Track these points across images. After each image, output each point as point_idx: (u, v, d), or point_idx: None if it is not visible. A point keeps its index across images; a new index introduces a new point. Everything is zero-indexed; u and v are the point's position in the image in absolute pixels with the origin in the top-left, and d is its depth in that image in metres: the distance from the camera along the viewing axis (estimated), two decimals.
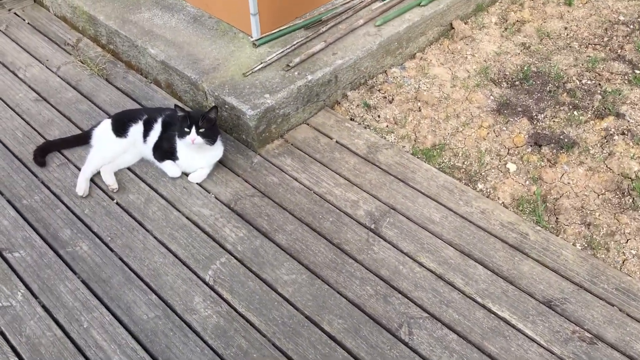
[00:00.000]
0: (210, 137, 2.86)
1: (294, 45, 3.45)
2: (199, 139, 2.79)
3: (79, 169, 3.10)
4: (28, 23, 4.21)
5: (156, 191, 3.01)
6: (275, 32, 3.54)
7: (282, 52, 3.40)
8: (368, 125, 3.36)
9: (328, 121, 3.37)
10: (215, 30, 3.66)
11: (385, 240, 2.74)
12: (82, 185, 2.97)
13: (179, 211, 2.91)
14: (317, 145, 3.23)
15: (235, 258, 2.68)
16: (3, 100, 3.58)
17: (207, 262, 2.66)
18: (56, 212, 2.90)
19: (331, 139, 3.27)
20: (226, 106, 3.18)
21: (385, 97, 3.51)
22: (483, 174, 3.05)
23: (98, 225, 2.84)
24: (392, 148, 3.20)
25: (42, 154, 3.17)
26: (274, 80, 3.26)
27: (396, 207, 2.89)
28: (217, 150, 3.01)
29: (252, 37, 3.54)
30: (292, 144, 3.26)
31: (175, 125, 2.91)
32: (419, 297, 2.50)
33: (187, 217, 2.87)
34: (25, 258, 2.69)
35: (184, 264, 2.66)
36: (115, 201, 2.96)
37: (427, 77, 3.62)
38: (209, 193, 3.00)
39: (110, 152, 3.07)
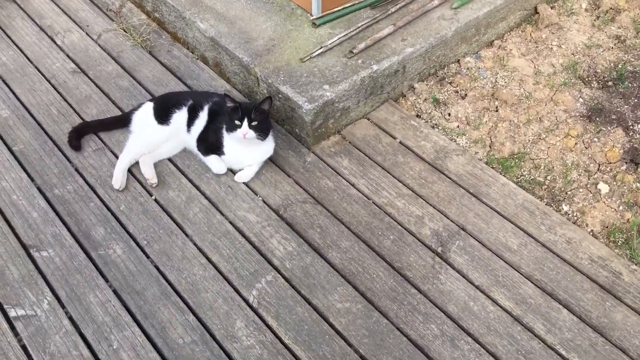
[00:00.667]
0: (263, 132, 2.54)
1: (359, 27, 3.06)
2: (251, 133, 2.49)
3: (117, 157, 2.83)
4: None
5: (198, 189, 2.72)
6: (338, 10, 3.14)
7: (344, 34, 3.02)
8: (436, 125, 2.98)
9: (391, 117, 3.00)
10: (272, 4, 3.28)
11: (453, 268, 2.40)
12: (118, 177, 2.70)
13: (223, 214, 2.61)
14: (378, 146, 2.88)
15: (283, 277, 2.39)
16: (39, 70, 3.30)
17: (252, 279, 2.38)
18: (89, 206, 2.64)
19: (394, 138, 2.91)
20: (280, 96, 2.84)
21: (457, 92, 3.11)
22: (569, 193, 2.66)
23: (134, 225, 2.57)
24: (463, 154, 2.82)
25: (77, 136, 2.90)
26: (334, 69, 2.89)
27: (467, 227, 2.54)
28: (268, 146, 2.69)
29: (311, 15, 3.16)
30: (350, 142, 2.91)
31: (223, 115, 2.60)
32: (492, 343, 2.17)
33: (231, 223, 2.58)
34: (53, 259, 2.45)
35: (226, 279, 2.38)
36: (153, 197, 2.69)
37: (506, 69, 3.20)
38: (256, 195, 2.69)
39: (151, 141, 2.78)
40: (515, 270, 2.39)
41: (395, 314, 2.26)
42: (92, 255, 2.47)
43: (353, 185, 2.72)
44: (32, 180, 2.75)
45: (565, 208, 2.62)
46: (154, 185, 2.71)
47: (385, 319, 2.25)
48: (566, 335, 2.19)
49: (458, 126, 2.96)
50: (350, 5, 3.17)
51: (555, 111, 2.98)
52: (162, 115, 2.78)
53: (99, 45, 3.45)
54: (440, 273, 2.38)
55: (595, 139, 2.85)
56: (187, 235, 2.55)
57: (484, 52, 3.30)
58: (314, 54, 2.95)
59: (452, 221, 2.57)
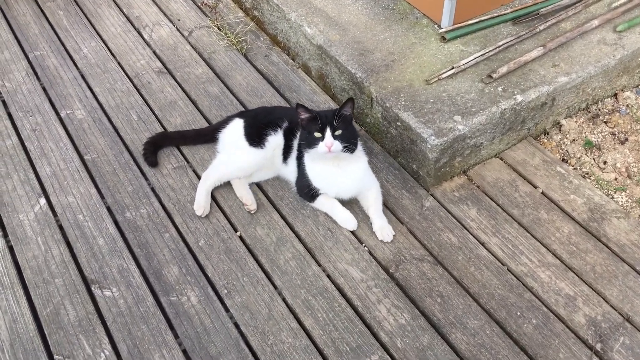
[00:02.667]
0: (350, 142, 2.08)
1: (499, 46, 2.51)
2: (337, 145, 2.03)
3: (199, 177, 2.40)
4: None
5: (292, 228, 2.25)
6: (473, 24, 2.61)
7: (481, 54, 2.48)
8: (588, 174, 2.40)
9: (531, 159, 2.44)
10: (392, 10, 2.78)
11: None
12: (201, 202, 2.28)
13: (320, 265, 2.14)
14: (514, 195, 2.33)
15: (392, 359, 1.89)
16: (122, 67, 2.93)
17: (353, 357, 1.89)
18: (164, 237, 2.23)
19: (535, 187, 2.35)
20: (398, 124, 2.34)
21: (615, 135, 2.51)
22: None
23: (214, 267, 2.14)
24: (626, 218, 2.23)
25: (154, 149, 2.50)
26: (468, 96, 2.36)
27: (634, 318, 1.96)
28: (361, 162, 2.22)
29: (440, 27, 2.64)
30: (478, 186, 2.38)
31: (299, 131, 2.23)
32: None
33: (329, 277, 2.11)
34: (117, 300, 2.04)
35: (321, 353, 1.91)
36: (238, 234, 2.24)
37: None
38: (361, 244, 2.20)
39: (242, 166, 2.33)
40: None
41: None
42: (162, 300, 2.05)
43: (483, 244, 2.19)
44: (103, 197, 2.36)
45: None
46: (252, 212, 2.29)
47: None
48: None
49: (616, 179, 2.37)
50: (489, 19, 2.62)
51: None
52: (255, 136, 2.32)
53: (189, 43, 3.05)
54: None
55: None
56: (275, 287, 2.09)
57: None
58: (443, 76, 2.43)
59: (613, 308, 1.99)
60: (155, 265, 2.15)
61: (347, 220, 2.22)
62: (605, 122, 2.55)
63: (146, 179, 2.44)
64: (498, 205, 2.30)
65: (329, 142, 2.02)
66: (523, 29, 2.58)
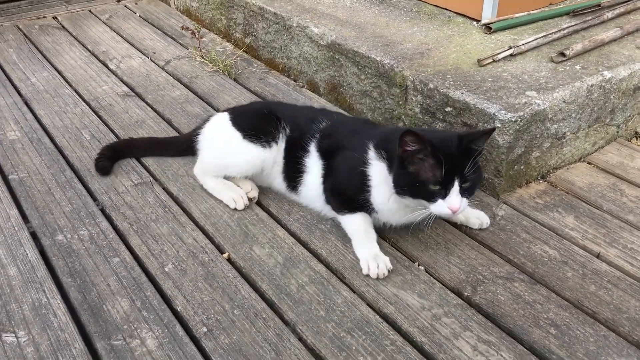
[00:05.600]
0: (474, 192, 1.38)
1: (563, 30, 1.97)
2: (465, 204, 1.34)
3: (170, 194, 1.69)
4: (139, 16, 3.05)
5: (306, 246, 1.51)
6: (521, 16, 2.09)
7: (543, 35, 1.93)
8: None
9: (630, 162, 1.79)
10: (416, 12, 2.27)
11: None
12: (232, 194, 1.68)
13: (354, 291, 1.37)
14: (621, 200, 1.64)
15: None
16: (78, 93, 2.31)
17: None
18: (112, 262, 1.46)
19: None
20: (448, 108, 1.70)
21: None
22: None
23: (186, 298, 1.36)
24: None
25: (111, 156, 1.82)
26: (537, 74, 1.76)
27: None
28: None
29: (479, 22, 2.11)
30: (568, 192, 1.68)
31: (395, 165, 1.39)
32: None
33: (370, 306, 1.32)
34: (23, 349, 1.23)
35: None
36: (226, 256, 1.48)
37: None
38: (414, 262, 1.44)
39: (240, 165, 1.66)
40: None
41: None
42: (99, 346, 1.24)
43: (598, 255, 1.45)
44: (26, 220, 1.61)
45: None
46: (254, 200, 1.63)
47: None
48: None
49: None
50: (539, 12, 2.11)
51: None
52: (252, 128, 1.65)
53: (165, 70, 2.47)
54: None
55: None
56: (286, 322, 1.29)
57: None
58: (499, 56, 1.84)
59: None
60: (94, 298, 1.35)
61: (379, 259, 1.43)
62: None
63: (93, 197, 1.71)
64: (604, 211, 1.60)
65: (455, 204, 1.31)
66: (581, 21, 2.05)
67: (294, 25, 2.25)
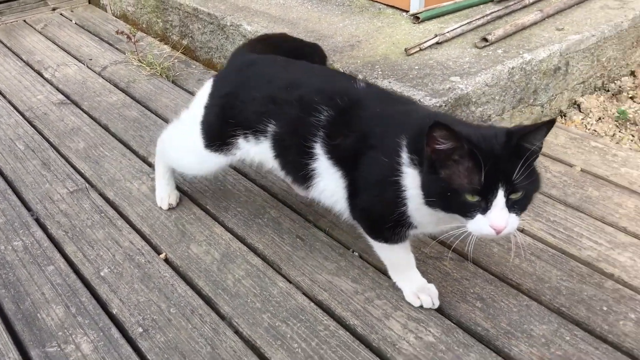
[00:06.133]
0: (527, 205, 1.08)
1: (487, 16, 2.03)
2: (514, 221, 1.04)
3: (107, 200, 1.69)
4: (75, 23, 3.02)
5: (243, 241, 1.53)
6: (447, 5, 2.14)
7: (467, 22, 1.99)
8: (632, 149, 1.81)
9: (554, 139, 1.85)
10: (347, 6, 2.31)
11: None
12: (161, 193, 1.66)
13: (289, 281, 1.40)
14: (545, 176, 1.70)
15: None
16: (11, 103, 2.29)
17: None
18: (47, 270, 1.46)
19: (570, 166, 1.74)
20: None
21: None
22: None
23: (122, 300, 1.37)
24: None
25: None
26: (461, 60, 1.81)
27: None
28: None
29: (407, 12, 2.16)
30: None
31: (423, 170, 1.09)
32: None
33: (305, 294, 1.35)
34: None
35: None
36: (163, 256, 1.49)
37: None
38: (348, 249, 1.48)
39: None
40: None
41: None
42: (33, 354, 1.24)
43: (522, 231, 1.50)
44: None
45: None
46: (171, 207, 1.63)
47: None
48: None
49: None
50: (465, 0, 2.17)
51: None
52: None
53: (102, 76, 2.46)
54: None
55: None
56: (222, 316, 1.31)
57: None
58: (425, 45, 1.89)
59: None
60: (28, 307, 1.35)
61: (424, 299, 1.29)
62: (632, 98, 2.03)
63: (28, 208, 1.70)
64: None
65: (499, 221, 1.00)
66: (502, 7, 2.12)
67: (228, 24, 2.26)
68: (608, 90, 2.08)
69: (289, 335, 1.25)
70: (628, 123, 1.92)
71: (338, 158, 1.21)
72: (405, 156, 1.11)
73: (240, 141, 1.37)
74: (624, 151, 1.77)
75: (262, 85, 1.33)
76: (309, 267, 1.42)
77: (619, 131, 1.90)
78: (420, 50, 1.88)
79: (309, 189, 1.29)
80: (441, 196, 1.03)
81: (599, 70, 2.04)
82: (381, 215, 1.19)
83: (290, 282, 1.39)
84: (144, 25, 2.83)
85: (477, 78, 1.70)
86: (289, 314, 1.30)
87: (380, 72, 1.77)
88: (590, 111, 1.98)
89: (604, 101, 2.02)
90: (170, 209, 1.64)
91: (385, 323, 1.27)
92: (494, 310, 1.28)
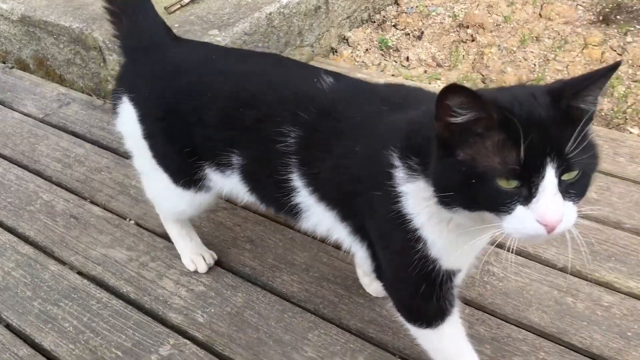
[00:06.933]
0: (587, 186, 0.76)
1: None
2: (572, 212, 0.74)
3: None
4: None
5: (14, 232, 1.47)
6: None
7: None
8: (394, 75, 1.95)
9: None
10: None
11: None
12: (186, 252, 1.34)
13: (63, 262, 1.37)
14: None
15: (195, 341, 1.16)
16: None
17: None
18: None
19: None
20: None
21: (409, 34, 2.12)
22: (629, 111, 1.67)
23: None
24: None
25: None
26: (222, 12, 1.83)
27: None
28: None
29: None
30: None
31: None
32: None
33: (80, 273, 1.34)
34: None
35: None
36: None
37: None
38: (125, 219, 1.47)
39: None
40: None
41: None
42: None
43: None
44: None
45: (635, 130, 1.61)
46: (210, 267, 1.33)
47: None
48: None
49: (426, 71, 1.95)
50: None
51: (552, 26, 2.06)
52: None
53: None
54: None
55: (630, 41, 1.92)
56: None
57: None
58: (186, 1, 1.88)
59: None
60: None
61: None
62: (395, 26, 2.16)
63: None
64: None
65: (553, 215, 0.71)
66: None
67: None
68: (374, 22, 2.20)
69: (60, 317, 1.24)
70: (391, 50, 2.05)
71: (323, 193, 0.95)
72: (400, 171, 0.83)
73: (208, 172, 1.09)
74: (386, 77, 1.90)
75: (206, 103, 1.02)
76: (82, 245, 1.41)
77: (384, 59, 2.03)
78: (182, 7, 1.87)
79: (301, 223, 1.03)
80: (462, 187, 0.73)
81: (362, 3, 2.14)
82: (405, 277, 0.89)
83: (63, 264, 1.37)
84: None
85: (235, 28, 1.73)
86: (61, 296, 1.29)
87: None
88: (358, 44, 2.08)
89: (370, 32, 2.14)
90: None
91: (158, 283, 1.30)
92: (262, 249, 1.36)
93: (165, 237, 1.40)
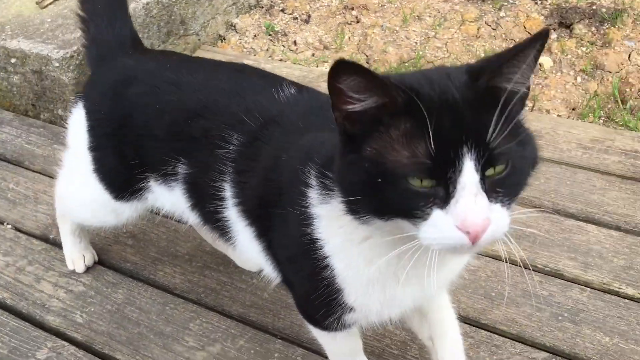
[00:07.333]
0: (523, 184, 0.67)
1: None
2: (501, 215, 0.63)
3: None
4: None
5: None
6: None
7: None
8: (282, 60, 1.96)
9: (222, 58, 1.93)
10: None
11: None
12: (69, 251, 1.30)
13: None
14: None
15: (74, 342, 1.14)
16: None
17: None
18: None
19: None
20: (13, 60, 1.65)
21: (297, 18, 2.14)
22: None
23: None
24: None
25: None
26: None
27: None
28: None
29: None
30: None
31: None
32: None
33: None
34: None
35: None
36: None
37: None
38: (3, 224, 1.43)
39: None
40: None
41: None
42: None
43: None
44: None
45: None
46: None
47: None
48: None
49: (313, 54, 1.97)
50: None
51: (432, 5, 2.12)
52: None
53: None
54: None
55: (503, 15, 2.01)
56: None
57: None
58: None
59: None
60: None
61: None
62: (283, 10, 2.18)
63: None
64: None
65: (476, 217, 0.60)
66: None
67: None
68: (262, 7, 2.20)
69: None
70: (279, 35, 2.06)
71: (244, 206, 0.88)
72: (314, 192, 0.75)
73: (152, 184, 1.04)
74: (276, 63, 1.91)
75: (155, 114, 0.99)
76: None
77: (273, 44, 2.04)
78: (55, 0, 1.81)
79: (232, 246, 0.97)
80: (369, 189, 0.63)
81: None
82: (309, 300, 0.85)
83: None
84: None
85: None
86: None
87: (10, 33, 1.68)
88: (247, 30, 2.08)
89: (258, 18, 2.14)
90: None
91: (36, 287, 1.27)
92: (144, 244, 1.35)
93: (44, 239, 1.37)
